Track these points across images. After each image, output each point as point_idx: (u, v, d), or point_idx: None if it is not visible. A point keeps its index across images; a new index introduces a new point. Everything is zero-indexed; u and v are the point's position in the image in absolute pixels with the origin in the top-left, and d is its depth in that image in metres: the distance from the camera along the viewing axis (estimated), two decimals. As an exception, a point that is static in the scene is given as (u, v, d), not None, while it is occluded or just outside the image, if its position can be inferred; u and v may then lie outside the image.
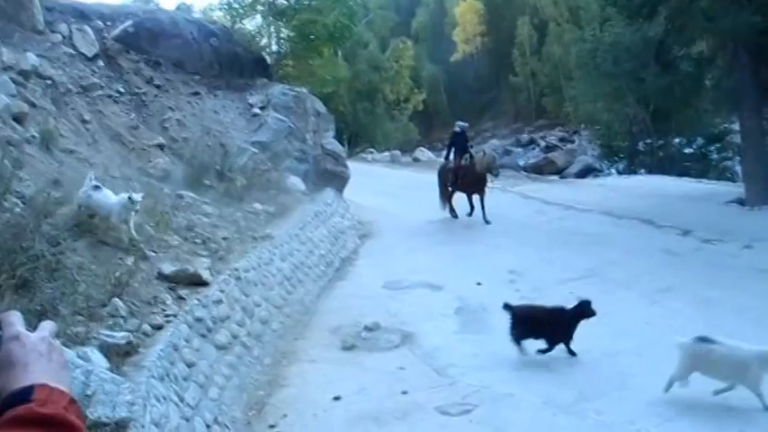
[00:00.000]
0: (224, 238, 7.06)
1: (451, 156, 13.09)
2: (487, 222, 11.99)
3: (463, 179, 12.37)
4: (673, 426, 4.69)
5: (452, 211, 12.91)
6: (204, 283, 5.85)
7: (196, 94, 10.28)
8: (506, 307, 6.13)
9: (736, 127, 13.62)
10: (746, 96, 11.52)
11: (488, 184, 12.43)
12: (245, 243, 7.36)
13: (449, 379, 5.72)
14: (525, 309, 6.22)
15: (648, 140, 21.32)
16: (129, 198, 5.55)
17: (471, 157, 12.49)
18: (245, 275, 6.65)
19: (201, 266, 5.99)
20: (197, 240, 6.63)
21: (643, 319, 6.63)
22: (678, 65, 13.53)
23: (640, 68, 17.24)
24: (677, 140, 21.61)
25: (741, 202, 11.55)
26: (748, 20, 9.97)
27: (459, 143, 12.87)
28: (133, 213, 5.60)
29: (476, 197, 12.45)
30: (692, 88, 13.51)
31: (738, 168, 16.69)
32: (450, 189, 12.87)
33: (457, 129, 13.06)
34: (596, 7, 25.79)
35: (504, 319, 6.14)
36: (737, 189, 12.47)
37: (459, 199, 12.85)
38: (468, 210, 12.76)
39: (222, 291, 6.04)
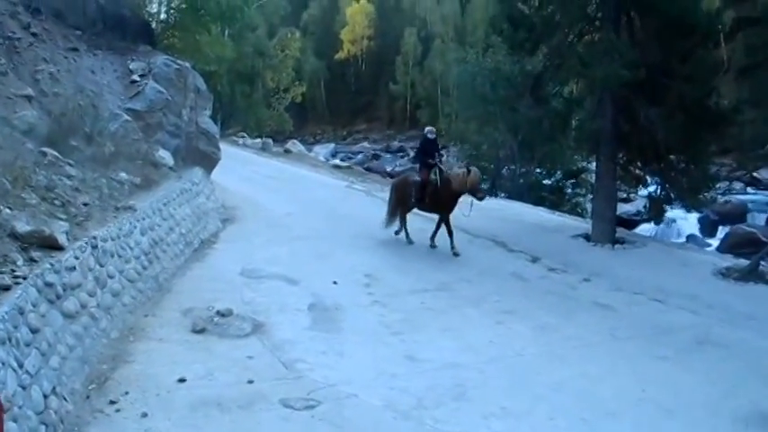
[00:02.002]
0: (85, 204, 6.78)
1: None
2: (456, 255, 10.51)
3: (433, 197, 10.67)
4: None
5: (406, 232, 11.37)
6: (59, 248, 5.63)
7: (74, 49, 9.62)
8: None
9: (593, 167, 14.53)
10: (605, 141, 12.43)
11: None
12: (107, 211, 7.10)
13: (296, 373, 5.91)
14: None
15: (512, 167, 22.84)
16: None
17: (441, 171, 10.78)
18: (103, 245, 6.46)
19: (58, 230, 5.75)
20: (56, 202, 6.32)
21: (486, 337, 7.05)
22: (550, 101, 13.89)
23: (515, 98, 18.06)
24: (538, 171, 23.25)
25: (587, 237, 12.35)
26: (617, 71, 10.86)
27: (430, 152, 11.10)
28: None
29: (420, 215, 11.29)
30: (560, 125, 14.17)
31: (589, 205, 18.12)
32: (407, 206, 11.25)
33: (429, 135, 11.31)
34: (482, 32, 27.41)
35: (356, 320, 6.49)
36: (585, 225, 13.39)
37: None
38: (401, 230, 11.41)
39: (77, 258, 5.85)
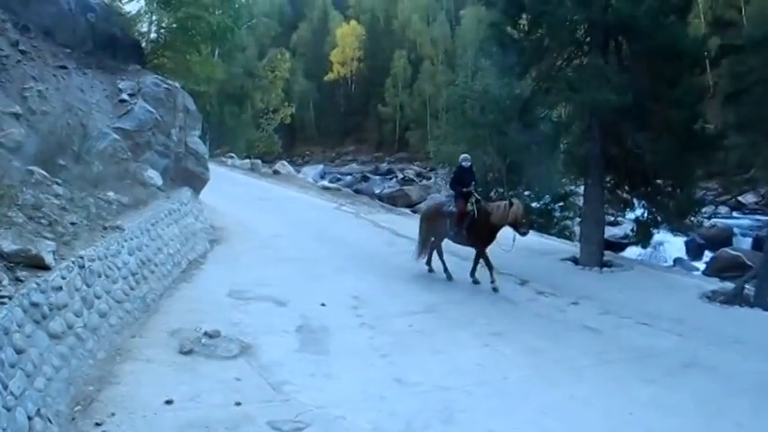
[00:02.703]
0: (72, 223, 6.74)
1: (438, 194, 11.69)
2: (495, 290, 9.83)
3: (470, 229, 10.04)
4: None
5: (444, 265, 10.66)
6: (46, 267, 5.57)
7: (63, 67, 9.63)
8: None
9: (581, 191, 14.54)
10: (593, 165, 12.57)
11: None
12: (94, 231, 7.06)
13: (283, 395, 5.86)
14: None
15: (501, 190, 23.01)
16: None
17: (478, 200, 10.21)
18: (90, 265, 6.41)
19: (45, 249, 5.70)
20: (43, 221, 6.27)
21: (475, 360, 7.05)
22: (539, 125, 13.92)
23: (504, 122, 18.33)
24: (527, 194, 23.48)
25: (575, 260, 12.41)
26: (605, 96, 10.95)
27: (466, 182, 10.42)
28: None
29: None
30: (548, 149, 14.23)
31: (577, 229, 18.27)
32: (441, 237, 10.59)
33: (464, 163, 10.64)
34: (471, 55, 27.76)
35: (344, 342, 6.47)
36: (574, 248, 13.49)
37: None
38: (430, 264, 10.74)
39: (64, 278, 5.80)
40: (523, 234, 9.86)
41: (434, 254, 10.81)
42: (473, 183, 10.57)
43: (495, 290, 9.78)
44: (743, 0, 45.05)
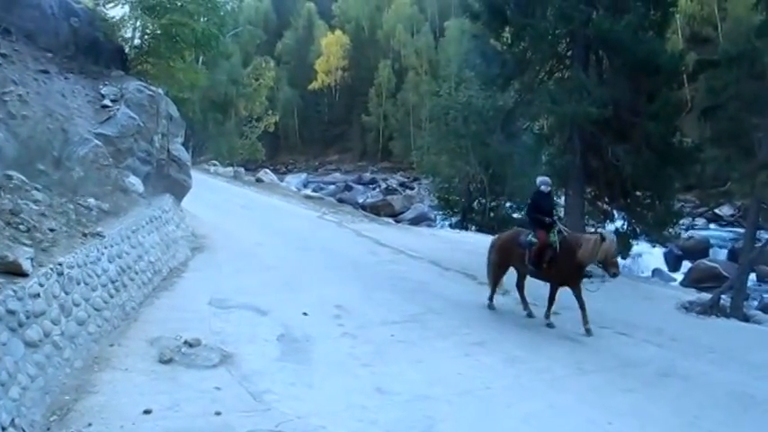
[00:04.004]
0: (51, 229, 6.65)
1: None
2: (588, 332, 8.54)
3: (553, 265, 8.70)
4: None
5: (524, 301, 9.41)
6: (23, 274, 5.49)
7: (45, 72, 9.53)
8: None
9: (561, 202, 14.76)
10: (573, 177, 12.88)
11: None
12: (74, 238, 6.97)
13: (264, 405, 5.81)
14: None
15: (483, 200, 23.21)
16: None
17: (560, 231, 8.86)
18: (69, 272, 6.33)
19: (23, 256, 5.62)
20: (21, 227, 6.19)
21: (456, 370, 7.05)
22: (521, 136, 14.24)
23: (487, 133, 18.48)
24: (508, 204, 23.68)
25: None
26: (585, 109, 11.27)
27: (545, 209, 9.16)
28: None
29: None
30: (530, 160, 14.53)
31: (557, 239, 18.51)
32: (520, 271, 9.34)
33: (543, 188, 9.27)
34: (455, 66, 27.99)
35: (326, 351, 6.44)
36: None
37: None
38: (530, 308, 9.33)
39: (41, 285, 5.71)
40: (614, 275, 8.47)
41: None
42: (554, 209, 9.34)
43: (587, 331, 8.51)
44: (719, 17, 46.10)
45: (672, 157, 12.13)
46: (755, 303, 16.89)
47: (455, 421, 5.80)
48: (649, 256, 21.60)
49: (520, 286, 9.40)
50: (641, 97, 12.00)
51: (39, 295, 5.60)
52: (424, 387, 6.51)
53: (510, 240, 9.36)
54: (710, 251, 23.59)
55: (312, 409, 5.78)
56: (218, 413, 5.53)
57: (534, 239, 8.87)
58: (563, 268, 8.62)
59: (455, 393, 6.41)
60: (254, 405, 5.82)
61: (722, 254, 23.17)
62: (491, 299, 9.63)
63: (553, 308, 8.93)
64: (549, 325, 8.82)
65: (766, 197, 11.81)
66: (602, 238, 8.40)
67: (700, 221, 28.01)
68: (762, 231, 13.15)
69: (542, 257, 8.74)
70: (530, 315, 9.20)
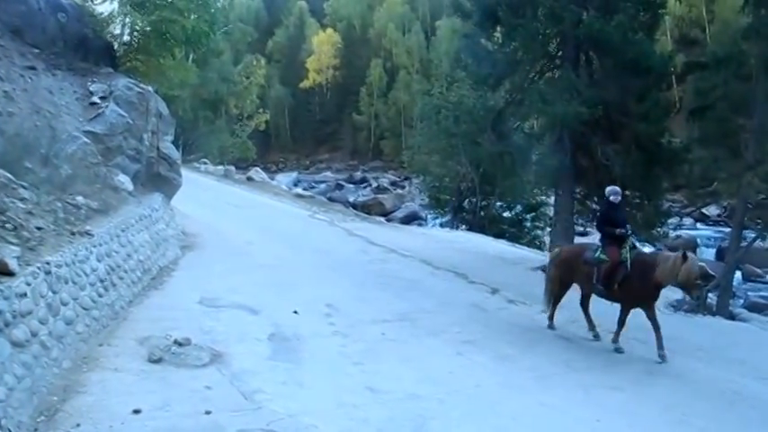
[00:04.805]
0: (38, 228, 6.58)
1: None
2: (662, 358, 7.73)
3: (626, 285, 7.85)
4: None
5: (590, 323, 8.59)
6: (9, 273, 5.42)
7: (32, 68, 9.43)
8: None
9: (551, 201, 15.00)
10: (563, 176, 12.98)
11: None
12: (62, 236, 6.90)
13: (255, 404, 5.79)
14: None
15: (473, 199, 23.28)
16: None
17: (634, 246, 8.16)
18: (57, 271, 6.26)
19: (9, 255, 5.56)
20: (8, 226, 6.11)
21: (447, 368, 7.07)
22: (511, 136, 14.19)
23: (478, 132, 18.51)
24: (499, 204, 23.77)
25: (545, 269, 12.84)
26: (576, 109, 11.36)
27: (618, 220, 8.28)
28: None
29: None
30: (520, 160, 14.63)
31: (547, 239, 18.55)
32: (585, 290, 8.52)
33: (613, 198, 8.46)
34: (447, 66, 28.06)
35: (317, 350, 6.44)
36: (544, 258, 13.37)
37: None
38: (597, 329, 8.53)
39: (28, 284, 5.64)
40: (696, 299, 7.87)
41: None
42: (626, 221, 8.51)
43: (661, 357, 7.72)
44: (707, 19, 46.50)
45: (660, 157, 12.24)
46: (741, 302, 17.11)
47: (446, 419, 5.81)
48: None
49: (584, 305, 8.60)
50: (631, 98, 12.10)
51: (26, 294, 5.53)
52: (415, 385, 6.52)
53: (574, 256, 8.51)
54: (698, 250, 23.78)
55: (303, 408, 5.76)
56: (208, 412, 5.49)
57: (604, 257, 8.03)
58: (637, 289, 7.76)
59: (446, 392, 6.42)
60: (245, 404, 5.79)
61: (709, 253, 23.41)
62: (551, 318, 8.84)
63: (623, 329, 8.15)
64: (618, 350, 8.04)
65: (752, 197, 11.94)
66: (685, 258, 7.48)
67: (687, 221, 28.32)
68: (748, 231, 13.30)
69: (614, 277, 7.91)
70: (596, 337, 8.46)
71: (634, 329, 8.77)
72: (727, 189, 14.88)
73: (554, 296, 8.71)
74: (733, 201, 15.49)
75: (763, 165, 12.31)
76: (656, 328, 7.80)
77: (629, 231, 8.15)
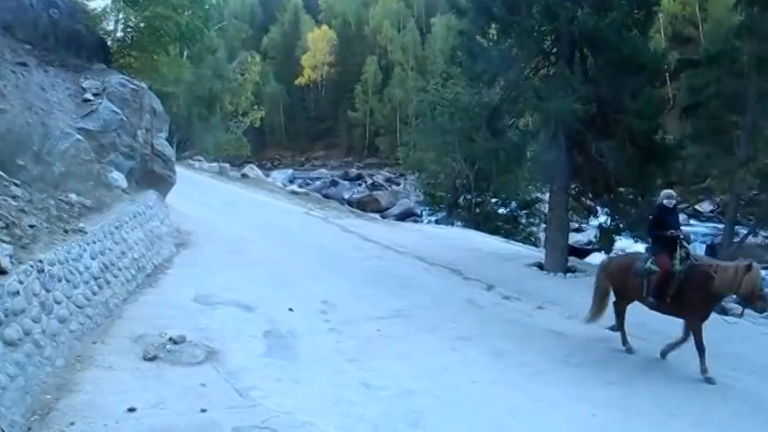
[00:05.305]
0: (31, 226, 6.54)
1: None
2: (708, 380, 7.11)
3: (681, 296, 7.27)
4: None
5: (623, 334, 8.07)
6: (2, 272, 5.39)
7: (23, 64, 9.35)
8: None
9: (546, 198, 15.03)
10: (558, 173, 12.98)
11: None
12: (55, 234, 6.87)
13: (250, 401, 5.79)
14: None
15: (469, 196, 23.31)
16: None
17: (687, 255, 7.43)
18: (50, 269, 6.23)
19: (1, 253, 5.52)
20: (0, 224, 6.09)
21: (442, 364, 7.10)
22: (506, 133, 14.18)
23: (473, 129, 18.55)
24: (494, 200, 23.81)
25: (540, 266, 12.73)
26: (570, 106, 11.34)
27: (671, 226, 7.66)
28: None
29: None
30: (515, 157, 14.60)
31: (542, 235, 18.66)
32: (630, 300, 8.00)
33: (666, 202, 7.83)
34: (442, 62, 28.03)
35: (312, 347, 6.43)
36: (539, 254, 13.79)
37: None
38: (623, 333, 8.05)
39: (21, 282, 5.61)
40: (761, 311, 7.32)
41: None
42: (680, 227, 7.90)
43: (708, 380, 7.09)
44: (700, 17, 46.67)
45: (654, 153, 12.27)
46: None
47: (441, 415, 5.83)
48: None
49: (619, 314, 8.17)
50: (625, 94, 12.10)
51: (18, 293, 5.49)
52: (411, 381, 6.53)
53: (624, 267, 7.98)
54: (691, 246, 23.87)
55: (299, 405, 5.77)
56: (203, 410, 5.49)
57: (654, 267, 7.46)
58: (694, 300, 7.19)
59: (441, 387, 6.44)
60: (240, 401, 5.79)
61: (702, 249, 23.48)
62: (623, 334, 8.14)
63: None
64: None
65: (745, 193, 12.00)
66: (749, 268, 6.89)
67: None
68: (740, 227, 13.37)
69: (666, 288, 7.35)
70: (629, 351, 7.95)
71: (632, 327, 8.80)
72: (719, 185, 14.98)
73: (601, 307, 8.16)
74: (726, 197, 15.56)
75: (755, 161, 12.39)
76: (700, 348, 7.22)
77: (682, 236, 7.59)
